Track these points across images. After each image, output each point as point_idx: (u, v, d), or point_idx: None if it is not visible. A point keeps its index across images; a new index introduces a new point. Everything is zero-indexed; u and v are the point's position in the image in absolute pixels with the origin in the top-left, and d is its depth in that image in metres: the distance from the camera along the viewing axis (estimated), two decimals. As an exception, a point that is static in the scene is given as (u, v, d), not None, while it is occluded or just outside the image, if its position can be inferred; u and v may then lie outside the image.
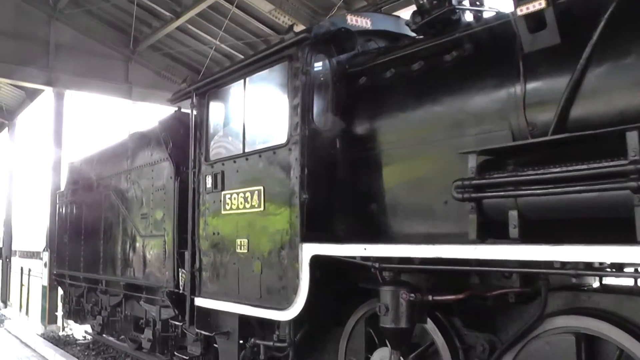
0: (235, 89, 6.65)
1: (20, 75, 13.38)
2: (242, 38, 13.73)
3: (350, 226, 5.88)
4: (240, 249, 6.21)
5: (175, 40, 14.60)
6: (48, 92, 15.79)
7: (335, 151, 5.94)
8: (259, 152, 6.09)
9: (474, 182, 4.22)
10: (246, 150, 6.30)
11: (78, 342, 11.94)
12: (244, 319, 6.52)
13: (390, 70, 5.71)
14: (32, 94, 17.14)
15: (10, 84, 17.16)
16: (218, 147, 6.96)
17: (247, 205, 6.15)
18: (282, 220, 5.69)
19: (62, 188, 13.17)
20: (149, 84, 14.82)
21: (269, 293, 5.81)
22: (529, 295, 4.46)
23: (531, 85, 4.46)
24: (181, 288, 7.18)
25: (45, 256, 13.49)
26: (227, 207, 6.44)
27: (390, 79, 5.71)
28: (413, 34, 6.59)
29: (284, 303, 5.60)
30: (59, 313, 13.32)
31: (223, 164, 6.60)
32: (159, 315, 8.35)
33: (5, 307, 17.59)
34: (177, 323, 7.61)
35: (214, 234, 6.66)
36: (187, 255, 7.27)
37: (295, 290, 5.46)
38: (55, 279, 12.95)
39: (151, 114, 16.31)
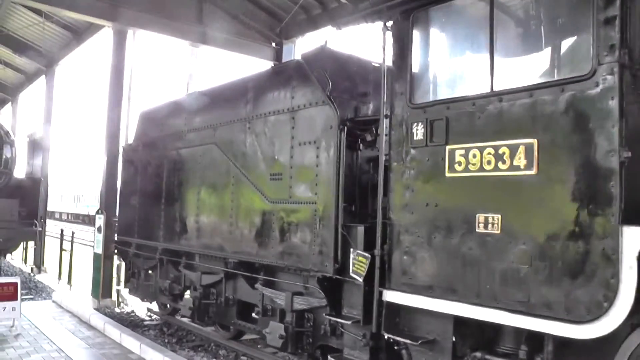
0: (470, 5, 4.74)
1: (81, 7, 11.36)
2: (342, -20, 11.67)
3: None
4: (486, 227, 4.35)
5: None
6: (103, 33, 13.80)
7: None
8: (529, 90, 4.20)
9: None
10: (496, 89, 4.41)
11: (145, 322, 10.13)
12: (459, 323, 4.77)
13: None
14: (80, 36, 15.06)
15: (55, 25, 15.13)
16: (431, 85, 5.08)
17: (502, 166, 4.28)
18: (579, 190, 3.85)
19: (129, 141, 11.27)
20: (224, 28, 12.77)
21: (548, 296, 3.98)
22: None
23: None
24: (358, 276, 5.32)
25: (100, 220, 11.61)
26: (459, 168, 4.58)
27: None
28: None
29: (581, 312, 3.81)
30: (120, 287, 11.49)
31: (448, 107, 4.71)
32: (291, 305, 6.51)
33: (39, 272, 15.72)
34: (340, 320, 5.75)
35: (427, 204, 4.80)
36: (361, 230, 5.52)
37: (607, 295, 3.68)
38: (116, 247, 11.10)
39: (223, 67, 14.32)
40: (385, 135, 5.27)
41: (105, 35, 13.64)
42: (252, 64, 13.69)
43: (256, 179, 7.02)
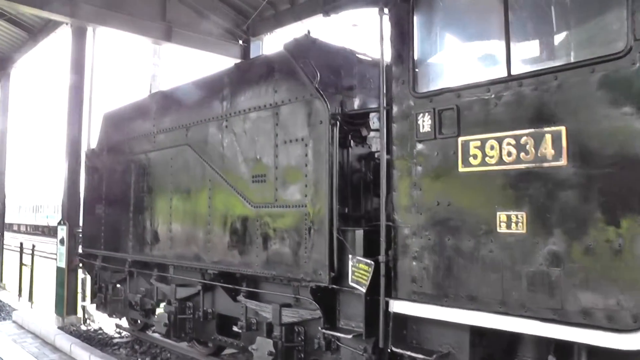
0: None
1: (37, 2, 10.51)
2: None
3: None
4: (509, 227, 3.88)
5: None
6: (60, 32, 12.93)
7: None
8: (554, 72, 3.75)
9: None
10: (514, 72, 3.95)
11: (114, 340, 9.37)
12: (475, 333, 4.29)
13: None
14: (36, 35, 14.09)
15: (7, 23, 14.15)
16: (437, 72, 4.59)
17: (526, 158, 3.83)
18: (616, 182, 3.45)
19: (92, 146, 10.47)
20: (189, 25, 12.06)
21: (585, 302, 3.53)
22: None
23: None
24: (360, 285, 4.79)
25: (63, 231, 10.78)
26: (474, 162, 4.10)
27: None
28: None
29: (626, 320, 3.41)
30: (86, 303, 10.64)
31: (459, 95, 4.23)
32: (279, 318, 5.93)
33: (-2, 290, 14.68)
34: (339, 335, 5.20)
35: (438, 203, 4.31)
36: (360, 235, 5.00)
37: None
38: (81, 260, 10.29)
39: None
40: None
41: (63, 34, 12.80)
42: (218, 63, 13.03)
43: (236, 182, 6.41)
